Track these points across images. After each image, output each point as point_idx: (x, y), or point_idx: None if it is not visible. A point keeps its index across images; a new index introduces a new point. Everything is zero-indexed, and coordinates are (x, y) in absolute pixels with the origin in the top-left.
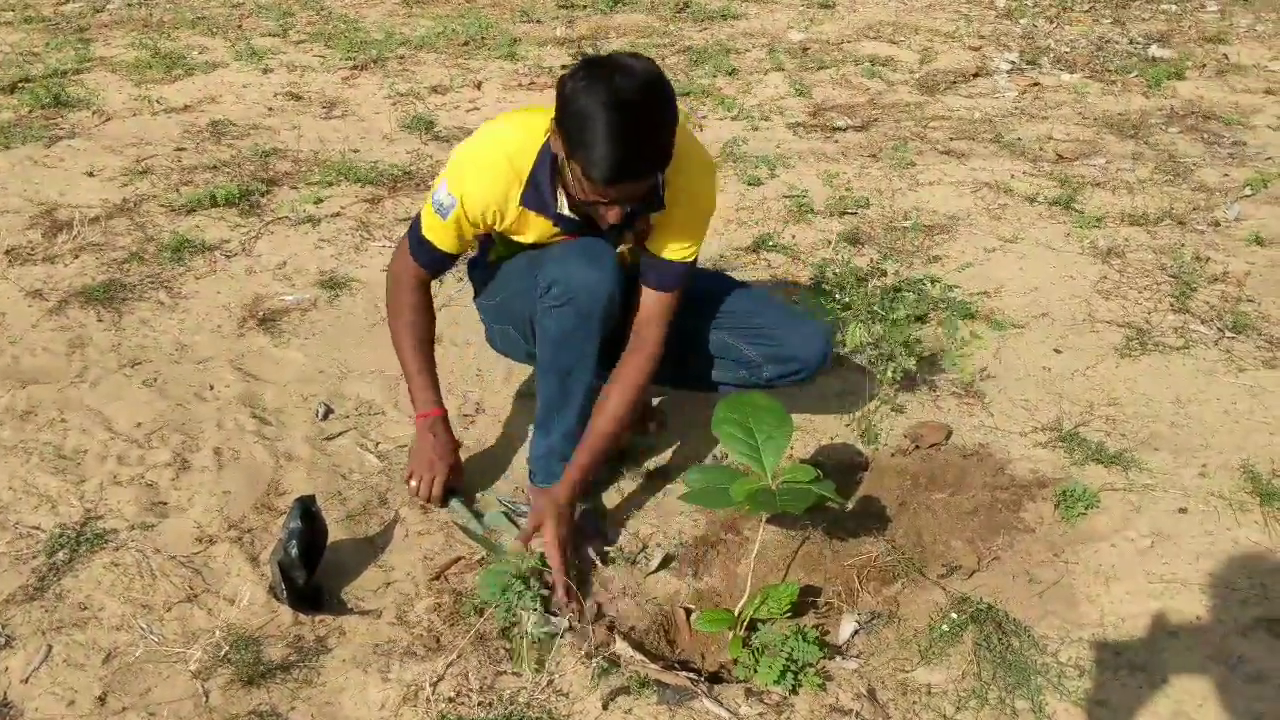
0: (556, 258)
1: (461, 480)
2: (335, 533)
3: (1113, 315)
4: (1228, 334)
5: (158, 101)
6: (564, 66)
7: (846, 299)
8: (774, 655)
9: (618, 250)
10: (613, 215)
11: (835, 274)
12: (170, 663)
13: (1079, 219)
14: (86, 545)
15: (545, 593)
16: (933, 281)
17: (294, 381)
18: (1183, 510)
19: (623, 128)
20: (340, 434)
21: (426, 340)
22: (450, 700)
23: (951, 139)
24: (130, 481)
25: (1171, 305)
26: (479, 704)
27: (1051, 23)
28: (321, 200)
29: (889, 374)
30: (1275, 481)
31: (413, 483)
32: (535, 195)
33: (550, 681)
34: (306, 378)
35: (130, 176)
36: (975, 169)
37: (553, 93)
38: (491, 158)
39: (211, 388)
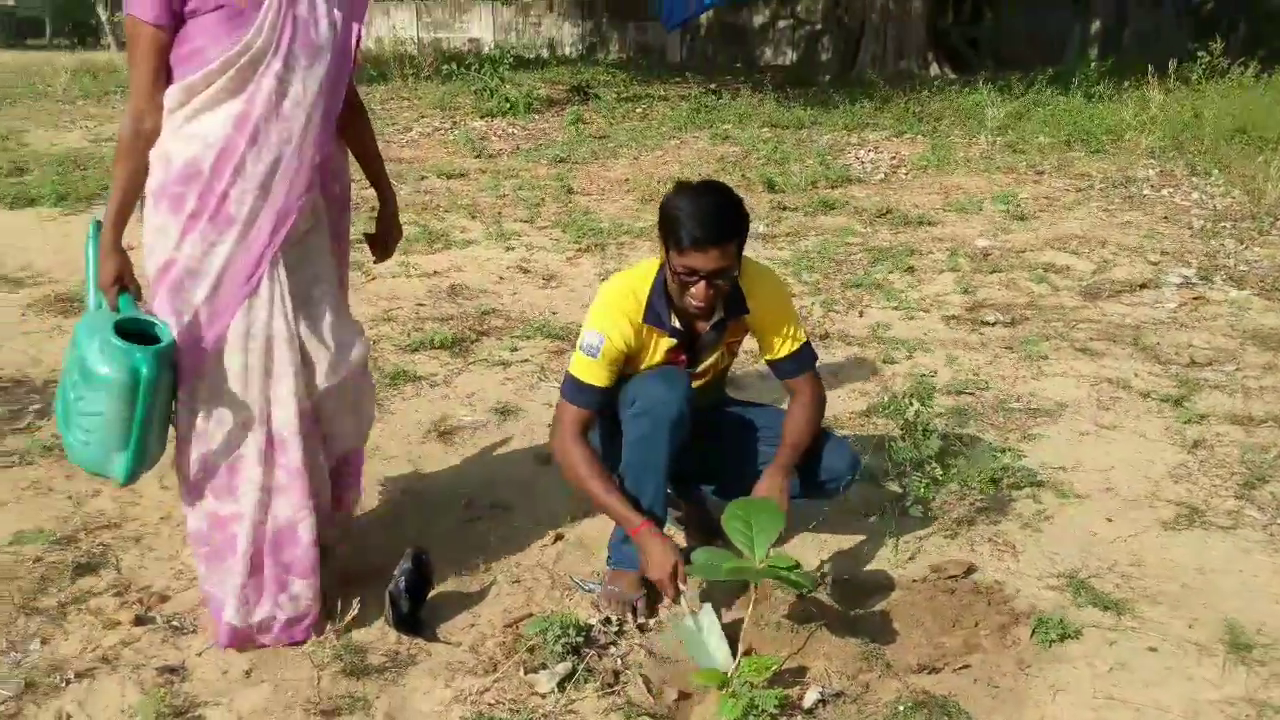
0: (640, 380)
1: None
2: (446, 586)
3: (1175, 496)
4: (1277, 520)
5: (414, 267)
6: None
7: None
8: (740, 696)
9: (711, 361)
10: (698, 292)
11: (912, 434)
12: (303, 654)
13: (1182, 414)
14: None
15: (578, 640)
16: (1004, 451)
17: (452, 479)
18: (1152, 649)
19: (700, 205)
20: (472, 520)
21: (606, 472)
22: (488, 704)
23: (1091, 339)
24: None
25: (1235, 493)
26: (509, 710)
27: (1241, 244)
28: (517, 349)
29: (920, 489)
30: (1256, 637)
31: (663, 585)
32: (653, 313)
33: (570, 704)
34: (462, 478)
35: (376, 323)
36: (1104, 366)
37: None
38: (619, 297)
39: (388, 478)
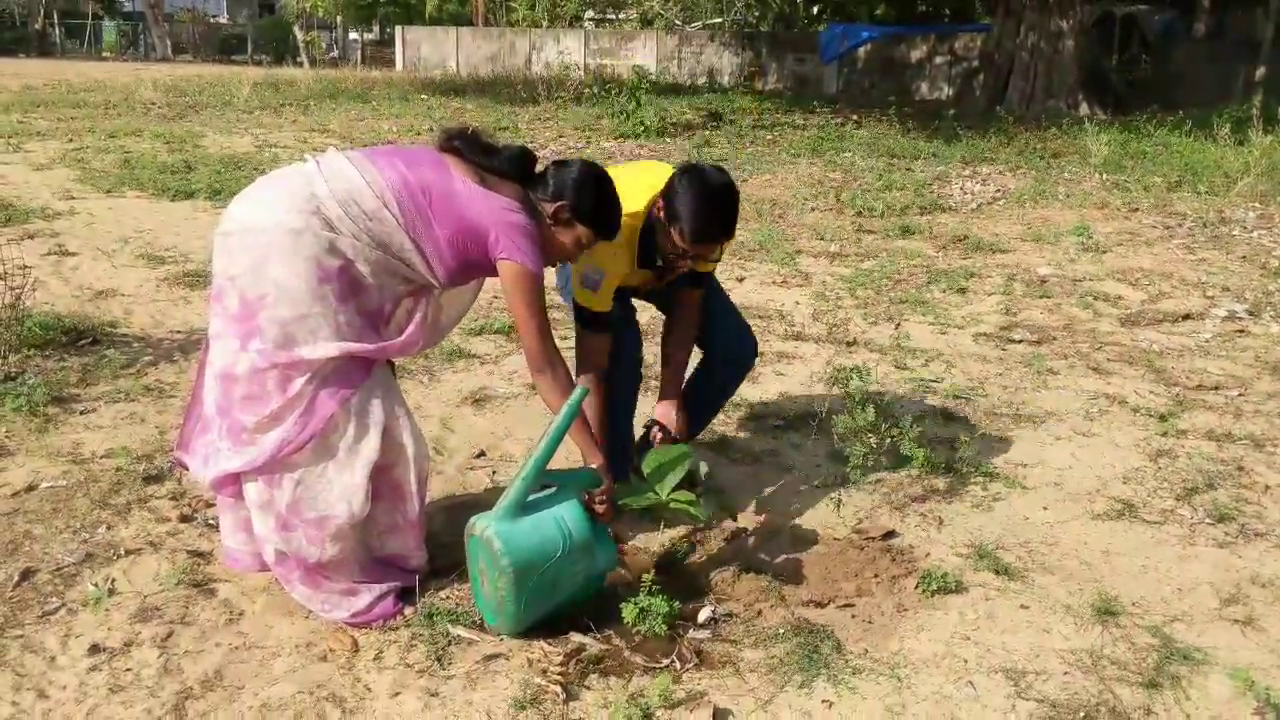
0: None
1: None
2: (441, 504)
3: (1117, 494)
4: (1205, 520)
5: None
6: (834, 276)
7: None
8: (638, 604)
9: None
10: (684, 265)
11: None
12: None
13: (1162, 428)
14: None
15: None
16: (963, 441)
17: (473, 435)
18: (1025, 607)
19: (715, 204)
20: (476, 469)
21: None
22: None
23: (1109, 360)
24: None
25: (1176, 496)
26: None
27: None
28: (567, 338)
29: (858, 458)
30: (1129, 608)
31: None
32: (645, 257)
33: None
34: (482, 435)
35: None
36: (1109, 384)
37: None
38: (616, 243)
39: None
